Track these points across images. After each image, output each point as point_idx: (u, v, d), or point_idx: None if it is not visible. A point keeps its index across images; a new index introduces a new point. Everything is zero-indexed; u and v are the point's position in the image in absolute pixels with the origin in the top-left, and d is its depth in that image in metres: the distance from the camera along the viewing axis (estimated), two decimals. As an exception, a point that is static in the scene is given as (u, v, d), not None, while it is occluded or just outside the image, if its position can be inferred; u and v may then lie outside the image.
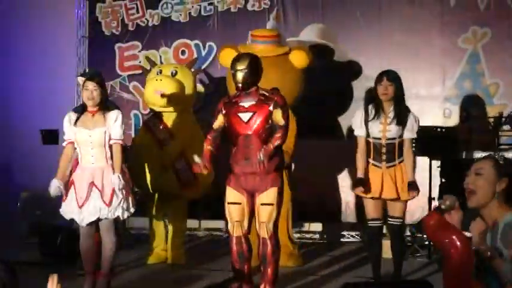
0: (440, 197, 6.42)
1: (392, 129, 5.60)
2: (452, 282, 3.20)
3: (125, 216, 5.51)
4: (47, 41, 9.10)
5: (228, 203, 5.37)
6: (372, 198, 5.66)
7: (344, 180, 7.77)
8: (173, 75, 6.93)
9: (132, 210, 5.52)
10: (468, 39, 7.59)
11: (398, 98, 5.62)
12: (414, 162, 5.75)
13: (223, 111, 5.39)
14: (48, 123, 6.92)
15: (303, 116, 6.85)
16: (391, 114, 5.61)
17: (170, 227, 6.96)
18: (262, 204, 5.26)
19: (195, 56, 8.45)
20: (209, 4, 8.54)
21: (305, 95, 7.01)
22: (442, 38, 7.68)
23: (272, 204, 5.25)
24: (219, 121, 5.44)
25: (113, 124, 5.39)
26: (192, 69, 7.29)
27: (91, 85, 5.35)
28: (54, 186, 5.38)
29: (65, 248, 6.62)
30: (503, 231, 3.15)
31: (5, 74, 9.32)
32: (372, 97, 5.78)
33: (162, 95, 6.70)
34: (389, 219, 5.75)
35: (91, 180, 5.35)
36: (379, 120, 5.61)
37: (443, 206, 3.30)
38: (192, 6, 8.63)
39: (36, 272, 5.80)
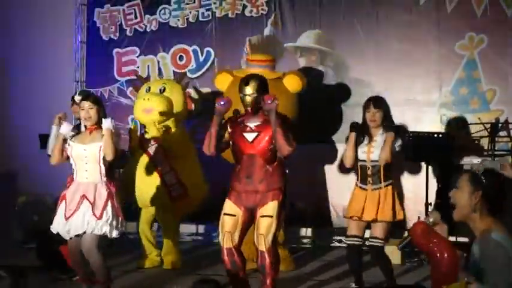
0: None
1: (376, 152, 5.63)
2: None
3: (113, 235, 5.32)
4: (45, 46, 9.12)
5: (224, 214, 5.45)
6: (351, 218, 5.71)
7: (335, 184, 7.78)
8: (161, 92, 7.00)
9: (121, 229, 5.40)
10: (465, 45, 7.60)
11: (387, 123, 5.69)
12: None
13: (229, 130, 5.52)
14: (47, 128, 6.94)
15: (298, 122, 6.87)
16: (378, 138, 5.66)
17: (164, 232, 7.05)
18: (261, 216, 5.33)
19: (193, 61, 8.51)
20: (207, 10, 8.57)
21: (302, 101, 7.05)
22: (439, 44, 7.69)
23: (271, 216, 5.31)
24: (224, 137, 5.54)
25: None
26: (182, 83, 7.39)
27: (87, 104, 5.39)
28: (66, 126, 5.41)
29: (62, 253, 6.61)
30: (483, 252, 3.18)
31: (4, 79, 9.36)
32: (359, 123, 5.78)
33: (148, 112, 6.85)
34: (370, 239, 5.76)
35: (82, 194, 5.32)
36: (365, 143, 5.68)
37: (427, 223, 3.41)
38: (190, 12, 8.66)
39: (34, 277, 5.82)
